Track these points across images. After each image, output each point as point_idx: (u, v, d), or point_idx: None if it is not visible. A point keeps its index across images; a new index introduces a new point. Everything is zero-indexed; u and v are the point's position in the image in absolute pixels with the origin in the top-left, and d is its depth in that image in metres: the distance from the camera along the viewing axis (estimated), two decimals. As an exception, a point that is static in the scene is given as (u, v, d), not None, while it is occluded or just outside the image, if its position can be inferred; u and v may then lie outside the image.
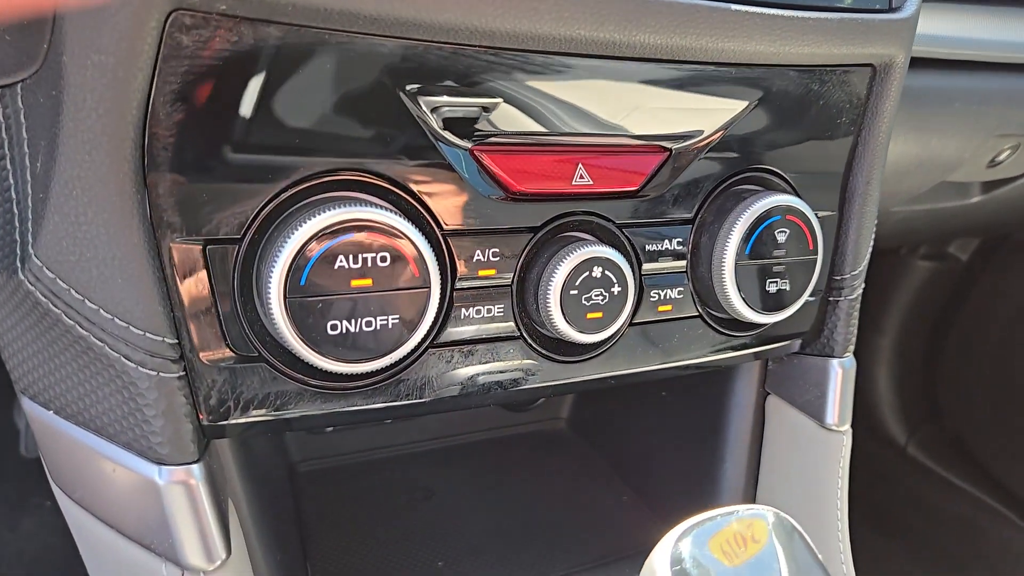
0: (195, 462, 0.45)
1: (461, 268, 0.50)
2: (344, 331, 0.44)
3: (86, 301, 0.42)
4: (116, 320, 0.42)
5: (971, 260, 2.01)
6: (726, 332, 0.62)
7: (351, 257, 0.43)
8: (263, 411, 0.47)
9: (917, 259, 2.02)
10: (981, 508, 1.93)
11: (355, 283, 0.44)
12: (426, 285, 0.46)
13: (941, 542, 1.95)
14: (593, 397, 0.95)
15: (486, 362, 0.53)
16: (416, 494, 0.81)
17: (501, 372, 0.54)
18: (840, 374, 0.67)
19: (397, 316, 0.46)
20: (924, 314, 2.09)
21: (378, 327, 0.45)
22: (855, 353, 0.69)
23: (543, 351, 0.55)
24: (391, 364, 0.47)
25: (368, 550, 0.72)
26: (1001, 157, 1.06)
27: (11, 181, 0.44)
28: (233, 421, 0.46)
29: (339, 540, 0.73)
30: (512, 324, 0.53)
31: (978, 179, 1.13)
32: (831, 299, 0.67)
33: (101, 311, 0.42)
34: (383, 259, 0.44)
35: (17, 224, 0.44)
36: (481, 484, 0.84)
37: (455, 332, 0.51)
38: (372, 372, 0.48)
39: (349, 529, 0.75)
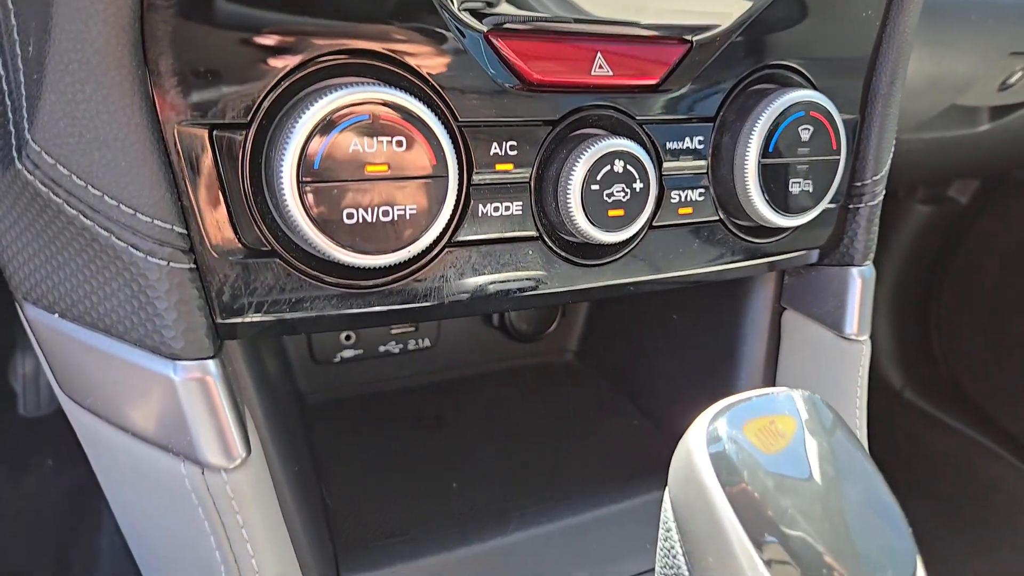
0: (210, 358, 0.43)
1: (478, 161, 0.48)
2: (360, 220, 0.42)
3: (89, 187, 0.40)
4: (122, 207, 0.40)
5: (970, 203, 2.00)
6: (747, 239, 0.60)
7: (365, 141, 0.41)
8: (278, 309, 0.45)
9: (916, 203, 2.01)
10: (975, 448, 1.95)
11: (370, 169, 0.42)
12: (443, 174, 0.44)
13: (937, 481, 1.97)
14: (602, 327, 0.94)
15: (505, 264, 0.51)
16: (426, 422, 0.80)
17: (520, 275, 0.52)
18: (860, 283, 0.66)
19: (415, 206, 0.44)
20: (922, 259, 2.08)
21: (395, 217, 0.43)
22: None
23: (563, 254, 0.53)
24: (408, 260, 0.46)
25: (381, 473, 0.71)
26: (1013, 79, 1.04)
27: (1, 72, 0.42)
28: (247, 319, 0.44)
29: (351, 464, 0.72)
30: (532, 224, 0.51)
31: (988, 103, 1.11)
32: (851, 206, 0.65)
33: (105, 197, 0.40)
34: (399, 143, 0.42)
35: (11, 115, 0.42)
36: (491, 413, 0.83)
37: (473, 230, 0.49)
38: (389, 268, 0.46)
39: (360, 454, 0.74)
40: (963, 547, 1.85)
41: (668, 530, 0.41)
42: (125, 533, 0.62)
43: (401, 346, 0.84)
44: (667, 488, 0.41)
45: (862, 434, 0.67)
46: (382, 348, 0.84)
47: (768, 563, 0.35)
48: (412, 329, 0.85)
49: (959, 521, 1.89)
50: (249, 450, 0.45)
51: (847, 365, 0.67)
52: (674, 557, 0.41)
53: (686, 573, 0.40)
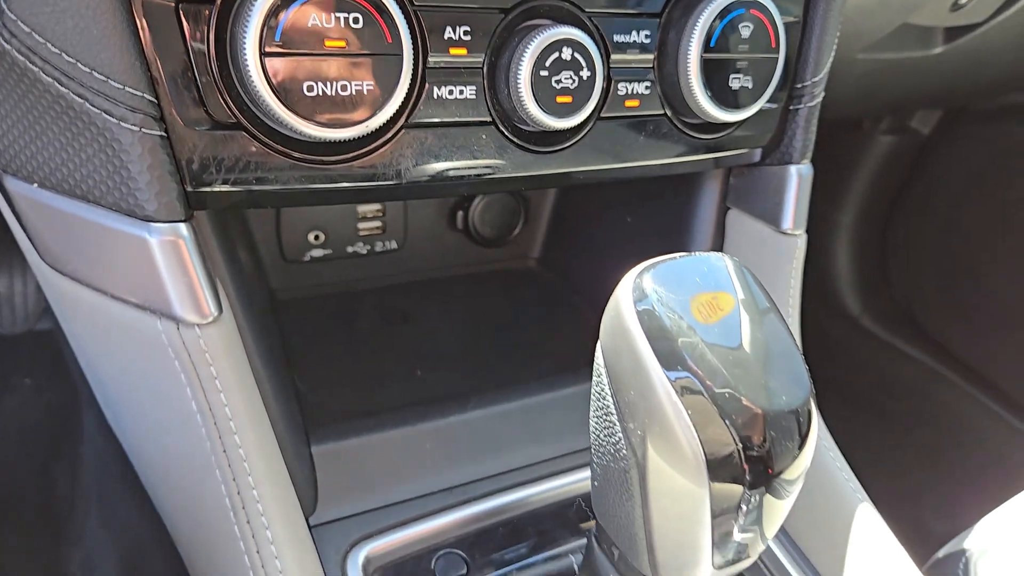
0: (182, 221, 0.47)
1: (432, 44, 0.51)
2: (320, 93, 0.45)
3: (63, 55, 0.43)
4: (95, 74, 0.43)
5: (932, 134, 2.04)
6: (692, 135, 0.64)
7: (324, 16, 0.44)
8: (246, 182, 0.48)
9: (879, 134, 2.05)
10: (927, 372, 2.05)
11: (329, 43, 0.45)
12: (398, 52, 0.47)
13: (889, 404, 2.08)
14: (562, 234, 0.98)
15: (460, 148, 0.55)
16: (393, 318, 0.84)
17: (474, 159, 0.56)
18: (797, 180, 0.70)
19: (371, 83, 0.47)
20: (884, 189, 2.14)
21: (353, 92, 0.46)
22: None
23: (516, 140, 0.57)
24: (368, 137, 0.49)
25: (348, 361, 0.76)
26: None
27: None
28: (216, 189, 0.48)
29: (320, 353, 0.77)
30: (485, 109, 0.54)
31: (942, 23, 1.15)
32: (792, 107, 0.69)
33: (79, 65, 0.43)
34: (356, 20, 0.45)
35: (-15, -13, 0.44)
36: (455, 310, 0.88)
37: (429, 113, 0.52)
38: (351, 145, 0.50)
39: (328, 345, 0.78)
40: (911, 462, 1.96)
41: (599, 375, 0.46)
42: (106, 407, 0.67)
43: (369, 247, 0.88)
44: (599, 339, 0.46)
45: (795, 319, 0.73)
46: (350, 249, 0.87)
47: (681, 391, 0.40)
48: (379, 231, 0.88)
49: (909, 439, 2.01)
50: (220, 309, 0.49)
51: (784, 258, 0.72)
52: (604, 398, 0.46)
53: (613, 410, 0.45)
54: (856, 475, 0.73)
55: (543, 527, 0.66)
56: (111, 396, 0.63)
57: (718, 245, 0.77)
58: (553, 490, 0.69)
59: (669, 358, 0.41)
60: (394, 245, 0.89)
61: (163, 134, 0.45)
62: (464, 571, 0.62)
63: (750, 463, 0.41)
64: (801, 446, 0.42)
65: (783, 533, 0.69)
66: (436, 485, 0.67)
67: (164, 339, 0.48)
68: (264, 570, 0.53)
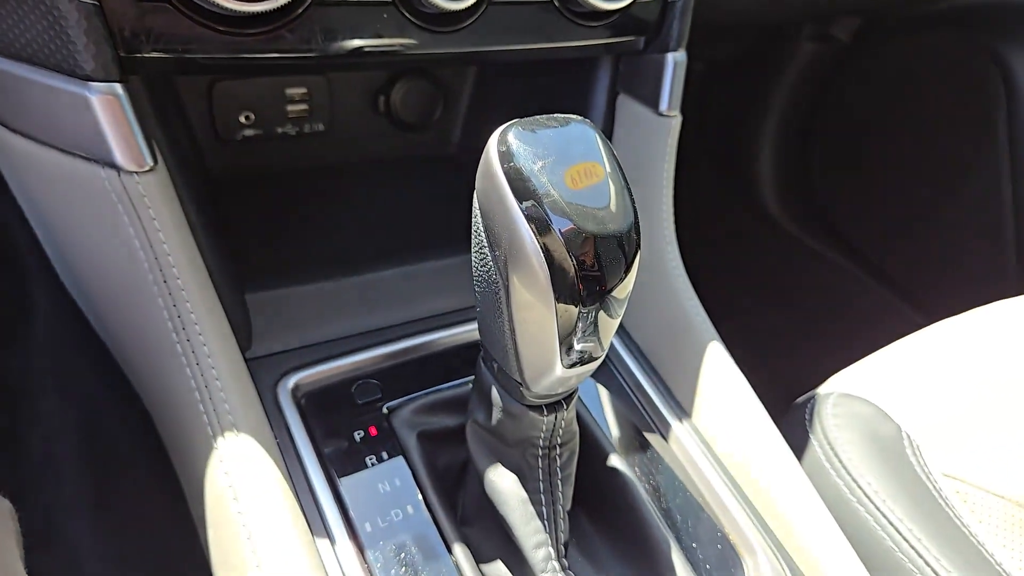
0: (118, 81, 0.54)
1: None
2: (234, -32, 0.53)
3: (3, -71, 0.49)
4: (31, -55, 0.49)
5: (852, 42, 2.14)
6: (577, 22, 0.73)
7: None
8: (174, 50, 0.56)
9: (802, 40, 2.14)
10: (838, 271, 2.22)
11: (240, -75, 0.52)
12: (303, -65, 0.54)
13: (800, 296, 2.25)
14: (479, 120, 1.07)
15: (365, 25, 0.63)
16: (320, 195, 0.93)
17: (379, 37, 0.64)
18: (673, 66, 0.80)
19: (280, -43, 0.54)
20: (806, 96, 2.25)
21: (263, -31, 0.54)
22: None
23: (415, 21, 0.65)
24: (279, 10, 0.57)
25: (278, 228, 0.85)
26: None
27: None
28: (146, 56, 0.55)
29: (251, 220, 0.85)
30: None
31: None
32: (669, 1, 0.78)
33: (19, -62, 0.49)
34: (263, -96, 0.52)
35: None
36: (378, 190, 0.97)
37: (335, -9, 0.60)
38: (264, 17, 0.57)
39: (259, 214, 0.87)
40: (812, 349, 2.14)
41: (476, 215, 0.57)
42: (61, 267, 0.75)
43: (297, 129, 0.95)
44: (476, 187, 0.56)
45: (669, 192, 0.84)
46: (280, 130, 0.95)
47: (531, 221, 0.51)
48: (306, 113, 0.95)
49: (816, 329, 2.20)
50: (155, 161, 0.57)
51: (661, 137, 0.83)
52: (479, 233, 0.57)
53: (486, 242, 0.56)
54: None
55: (448, 364, 0.78)
56: (66, 249, 0.71)
57: (609, 126, 0.87)
58: (458, 334, 0.81)
59: (523, 194, 0.51)
60: (320, 127, 0.96)
61: (96, 3, 0.52)
62: (379, 395, 0.74)
63: (585, 282, 0.52)
64: (627, 269, 0.54)
65: (648, 364, 0.83)
66: (356, 329, 0.78)
67: (107, 185, 0.57)
68: (208, 391, 0.64)
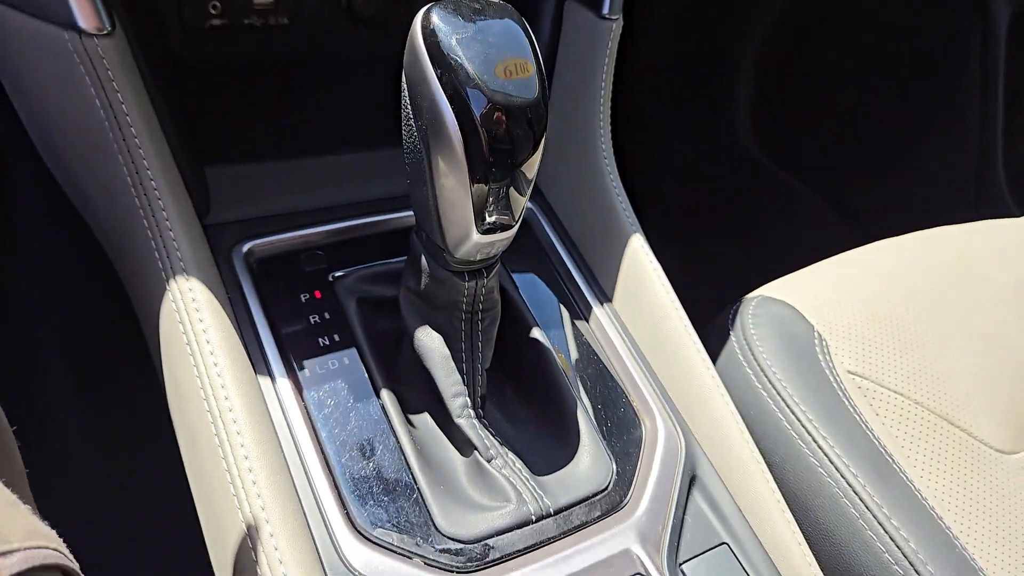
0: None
1: None
2: None
3: None
4: None
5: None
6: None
7: None
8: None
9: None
10: (803, 204, 2.29)
11: None
12: None
13: (762, 229, 2.31)
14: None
15: None
16: (281, 86, 0.98)
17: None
18: (614, -32, 0.85)
19: None
20: (788, 27, 2.26)
21: None
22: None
23: None
24: None
25: (239, 110, 0.90)
26: None
27: None
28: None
29: (214, 102, 0.90)
30: None
31: None
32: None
33: None
34: None
35: None
36: (338, 82, 1.01)
37: None
38: None
39: (222, 98, 0.92)
40: (761, 273, 2.20)
41: (403, 91, 0.63)
42: (36, 135, 0.81)
43: (263, 21, 1.00)
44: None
45: (607, 94, 0.90)
46: (246, 21, 0.99)
47: (446, 89, 0.57)
48: (271, 5, 0.99)
49: (768, 255, 2.27)
50: (114, 26, 0.63)
51: (603, 40, 0.88)
52: (407, 107, 0.63)
53: (412, 115, 0.62)
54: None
55: (392, 243, 0.85)
56: (40, 119, 0.77)
57: (556, 31, 0.92)
58: (402, 218, 0.88)
59: (441, 66, 0.57)
60: (284, 20, 1.01)
61: None
62: (325, 266, 0.81)
63: (495, 153, 0.59)
64: (535, 145, 0.60)
65: (578, 255, 0.90)
66: (310, 205, 0.84)
67: (70, 47, 0.62)
68: (165, 247, 0.71)
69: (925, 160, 2.12)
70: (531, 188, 0.63)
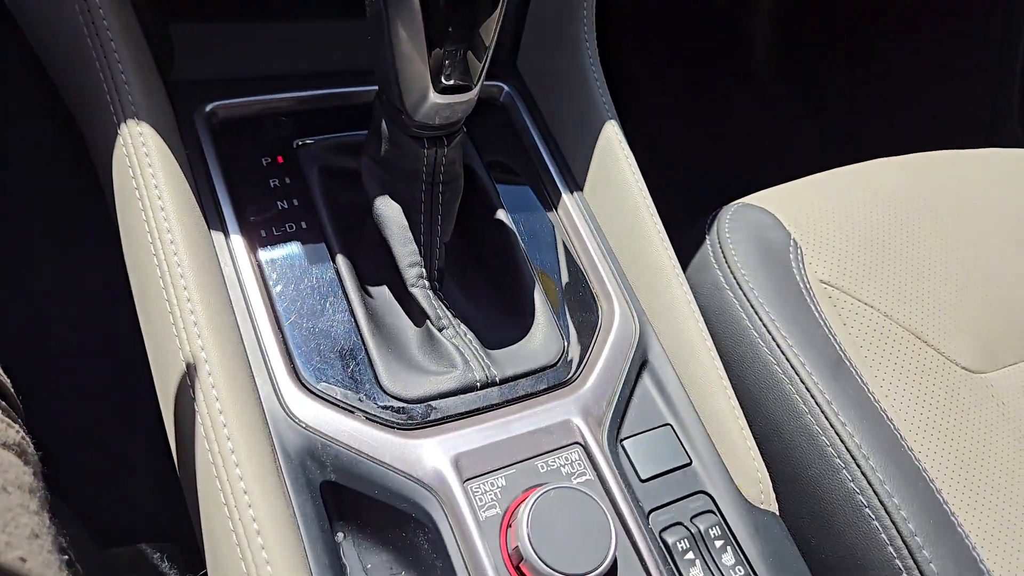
0: None
1: None
2: None
3: None
4: None
5: None
6: None
7: None
8: None
9: None
10: (808, 129, 2.24)
11: None
12: None
13: (766, 150, 2.26)
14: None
15: None
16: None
17: None
18: None
19: None
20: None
21: None
22: None
23: None
24: None
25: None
26: None
27: None
28: None
29: None
30: None
31: None
32: None
33: None
34: None
35: None
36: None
37: None
38: None
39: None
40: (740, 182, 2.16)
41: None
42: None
43: None
44: None
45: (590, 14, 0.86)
46: None
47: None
48: None
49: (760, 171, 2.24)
50: None
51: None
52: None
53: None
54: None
55: (360, 116, 0.84)
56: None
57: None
58: (372, 90, 0.86)
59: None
60: None
61: None
62: (289, 132, 0.80)
63: (452, 8, 0.57)
64: (492, 4, 0.58)
65: (552, 142, 0.89)
66: (279, 71, 0.83)
67: None
68: (118, 94, 0.68)
69: (942, 90, 2.07)
70: (489, 54, 0.62)
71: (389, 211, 0.72)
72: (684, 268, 1.03)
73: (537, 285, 0.77)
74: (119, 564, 0.96)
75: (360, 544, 0.62)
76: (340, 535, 0.62)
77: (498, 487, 0.63)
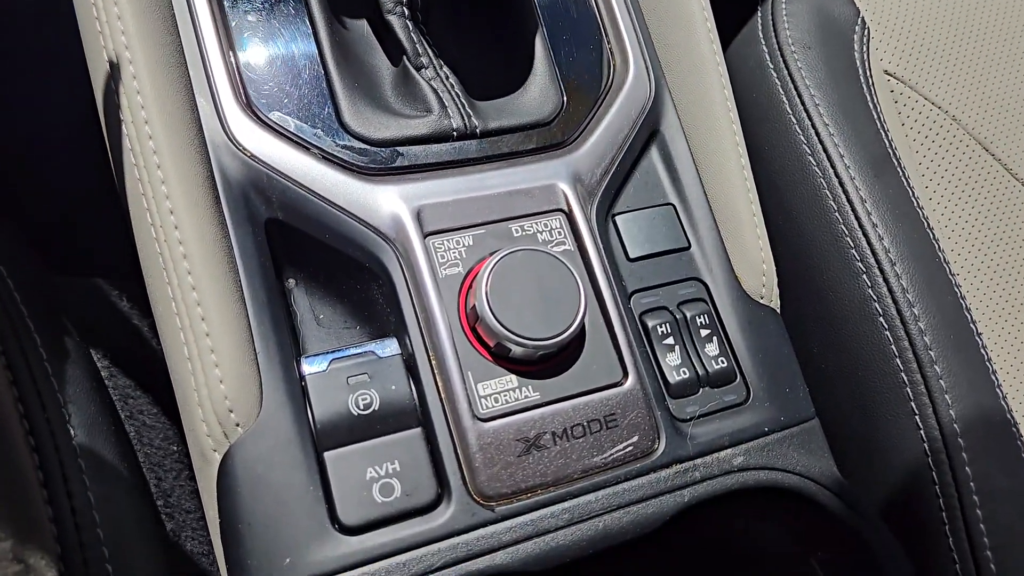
0: None
1: None
2: None
3: None
4: None
5: None
6: None
7: None
8: None
9: None
10: None
11: None
12: None
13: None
14: None
15: None
16: None
17: None
18: None
19: None
20: None
21: None
22: None
23: None
24: None
25: None
26: None
27: None
28: None
29: None
30: None
31: None
32: None
33: None
34: None
35: None
36: None
37: None
38: None
39: None
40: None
41: None
42: None
43: None
44: None
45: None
46: None
47: None
48: None
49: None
50: None
51: None
52: None
53: None
54: None
55: None
56: None
57: None
58: None
59: None
60: None
61: None
62: None
63: None
64: None
65: None
66: None
67: None
68: None
69: None
70: None
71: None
72: (726, 45, 0.89)
73: (541, 29, 0.65)
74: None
75: (312, 293, 0.57)
76: (292, 281, 0.57)
77: (463, 246, 0.57)
